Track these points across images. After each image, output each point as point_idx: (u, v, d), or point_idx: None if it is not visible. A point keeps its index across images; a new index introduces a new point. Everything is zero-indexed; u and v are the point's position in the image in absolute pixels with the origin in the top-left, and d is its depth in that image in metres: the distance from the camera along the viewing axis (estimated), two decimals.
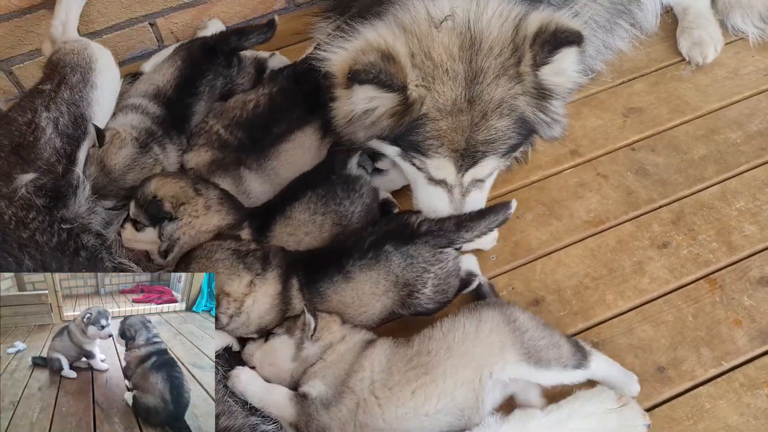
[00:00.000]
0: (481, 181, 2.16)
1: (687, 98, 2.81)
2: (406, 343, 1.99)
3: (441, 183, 2.12)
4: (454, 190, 2.13)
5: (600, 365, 2.01)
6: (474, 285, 2.24)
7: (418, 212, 2.19)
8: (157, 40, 3.16)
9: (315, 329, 1.95)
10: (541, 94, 2.03)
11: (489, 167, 2.13)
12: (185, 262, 2.05)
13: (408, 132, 2.02)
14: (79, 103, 2.29)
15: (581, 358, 1.98)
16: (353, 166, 2.29)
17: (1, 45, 2.88)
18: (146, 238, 2.22)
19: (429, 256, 2.07)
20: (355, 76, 1.88)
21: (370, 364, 1.93)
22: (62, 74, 2.34)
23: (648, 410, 2.02)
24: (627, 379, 2.04)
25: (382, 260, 2.06)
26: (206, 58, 2.68)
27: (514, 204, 2.17)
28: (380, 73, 1.87)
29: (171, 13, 3.09)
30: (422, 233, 2.08)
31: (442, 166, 2.07)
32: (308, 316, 1.96)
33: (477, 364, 1.90)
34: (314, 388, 1.92)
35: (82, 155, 2.30)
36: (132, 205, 2.21)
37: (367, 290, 2.07)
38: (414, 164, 2.13)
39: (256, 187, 2.42)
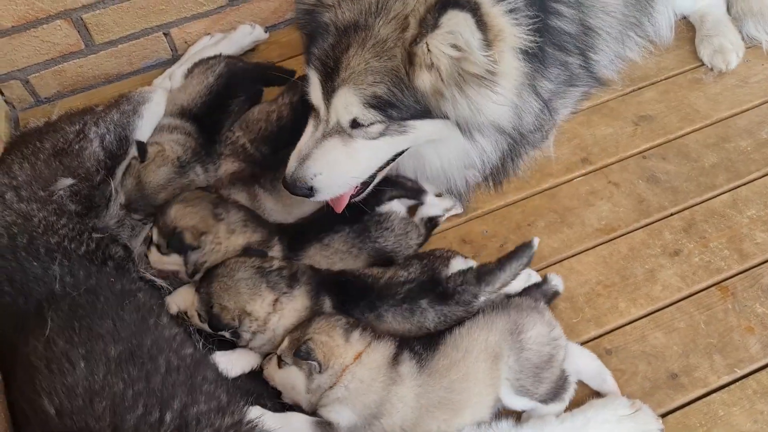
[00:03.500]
0: (349, 135, 2.07)
1: (697, 106, 2.82)
2: (432, 367, 1.93)
3: (314, 119, 2.11)
4: (319, 126, 2.10)
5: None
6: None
7: (447, 259, 2.20)
8: (171, 50, 3.20)
9: (320, 365, 1.89)
10: (420, 59, 1.94)
11: (347, 104, 2.00)
12: (207, 280, 2.05)
13: (312, 42, 2.08)
14: (125, 127, 2.50)
15: (551, 398, 1.98)
16: (384, 204, 2.35)
17: (17, 54, 2.93)
18: (172, 261, 2.21)
19: (462, 312, 2.09)
20: None
21: (403, 405, 1.88)
22: (118, 102, 2.60)
23: (661, 417, 2.02)
24: None
25: (417, 314, 2.07)
26: (248, 82, 2.75)
27: (535, 241, 2.19)
28: None
29: (185, 23, 3.13)
30: (452, 292, 2.09)
31: (313, 82, 2.07)
32: (303, 361, 1.89)
33: (491, 383, 1.93)
34: (342, 416, 1.86)
35: (119, 172, 2.43)
36: (154, 232, 2.21)
37: (398, 334, 2.06)
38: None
39: (270, 206, 2.43)
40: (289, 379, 1.94)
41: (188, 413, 1.70)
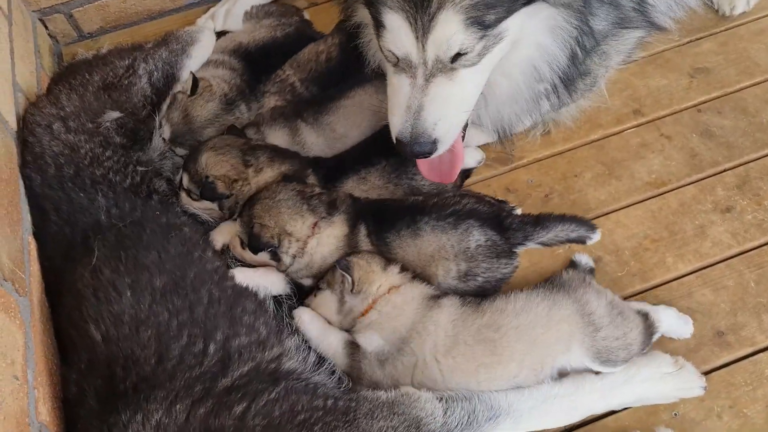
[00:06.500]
0: (453, 69, 1.92)
1: (757, 59, 2.69)
2: (476, 307, 1.94)
3: (406, 67, 1.94)
4: (417, 72, 1.92)
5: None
6: None
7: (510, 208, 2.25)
8: None
9: (353, 283, 1.94)
10: None
11: (451, 33, 1.84)
12: (250, 203, 2.08)
13: None
14: (173, 65, 2.56)
15: (646, 346, 1.96)
16: None
17: None
18: (203, 206, 2.24)
19: (504, 248, 2.05)
20: None
21: (435, 328, 1.89)
22: (167, 41, 2.64)
23: (705, 374, 1.99)
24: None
25: (461, 229, 2.02)
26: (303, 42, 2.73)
27: (597, 234, 2.14)
28: None
29: None
30: (507, 227, 2.06)
31: (396, 26, 1.87)
32: (340, 272, 1.95)
33: (544, 352, 1.88)
34: (371, 342, 1.90)
35: (164, 106, 2.46)
36: (185, 177, 2.21)
37: (428, 252, 2.04)
38: (379, 43, 1.99)
39: (312, 140, 2.42)
40: (322, 305, 2.02)
41: (230, 345, 1.72)
